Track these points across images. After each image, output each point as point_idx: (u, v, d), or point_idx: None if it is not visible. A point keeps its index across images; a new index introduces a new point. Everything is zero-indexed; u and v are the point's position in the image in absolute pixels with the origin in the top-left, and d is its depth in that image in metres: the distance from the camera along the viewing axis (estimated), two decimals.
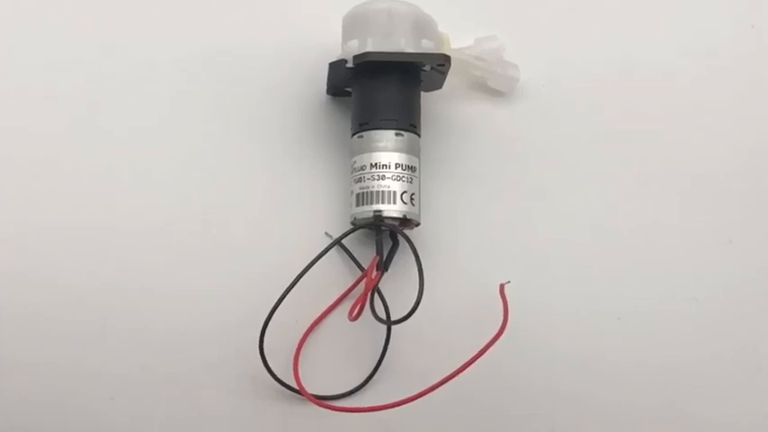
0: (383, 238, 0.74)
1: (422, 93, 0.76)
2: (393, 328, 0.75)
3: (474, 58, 0.78)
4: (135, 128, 0.78)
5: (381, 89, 0.74)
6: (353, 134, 0.75)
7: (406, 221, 0.74)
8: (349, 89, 0.77)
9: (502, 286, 0.74)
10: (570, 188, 0.80)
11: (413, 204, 0.75)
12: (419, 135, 0.75)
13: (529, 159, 0.80)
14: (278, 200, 0.78)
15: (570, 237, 0.79)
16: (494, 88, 0.79)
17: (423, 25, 0.74)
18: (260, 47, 0.80)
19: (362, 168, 0.75)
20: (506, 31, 0.79)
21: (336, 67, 0.75)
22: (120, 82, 0.79)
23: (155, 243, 0.77)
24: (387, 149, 0.75)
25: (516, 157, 0.80)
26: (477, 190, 0.79)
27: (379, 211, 0.74)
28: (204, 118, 0.78)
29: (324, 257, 0.73)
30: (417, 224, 0.75)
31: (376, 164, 0.75)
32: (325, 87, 0.78)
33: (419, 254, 0.72)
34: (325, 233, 0.78)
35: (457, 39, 0.77)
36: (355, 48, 0.74)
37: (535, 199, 0.80)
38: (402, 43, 0.73)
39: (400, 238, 0.74)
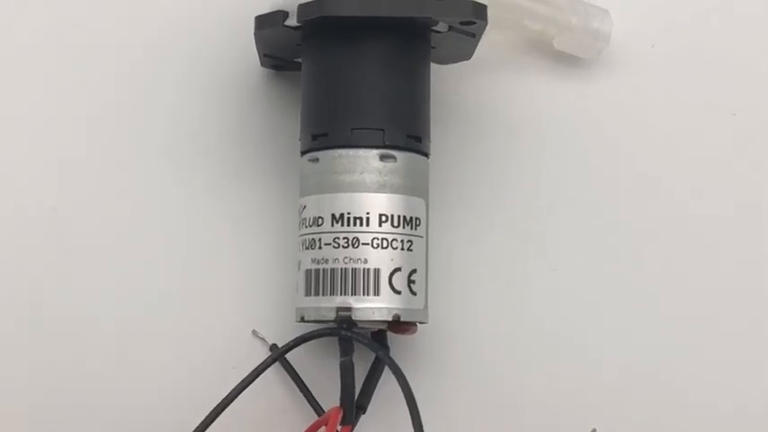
0: (358, 349, 0.48)
1: (435, 68, 0.52)
2: None
3: (531, 0, 0.55)
4: None
5: (353, 69, 0.48)
6: (303, 152, 0.49)
7: (398, 325, 0.48)
8: (299, 59, 0.51)
9: None
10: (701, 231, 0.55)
11: (412, 291, 0.47)
12: (428, 155, 0.49)
13: (629, 182, 0.56)
14: (171, 268, 0.54)
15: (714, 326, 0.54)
16: (566, 52, 0.56)
17: None
18: None
19: (317, 222, 0.47)
20: None
21: (270, 25, 0.49)
22: None
23: None
24: (363, 188, 0.47)
25: (608, 177, 0.56)
26: (536, 244, 0.55)
27: (347, 308, 0.46)
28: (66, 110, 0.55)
29: (257, 382, 0.48)
30: (422, 322, 0.49)
31: (341, 216, 0.47)
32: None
33: (421, 384, 0.48)
34: (254, 332, 0.52)
35: None
36: None
37: (643, 262, 0.55)
38: None
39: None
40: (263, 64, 0.52)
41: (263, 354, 0.50)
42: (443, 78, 0.54)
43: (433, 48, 0.49)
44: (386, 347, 0.48)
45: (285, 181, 0.52)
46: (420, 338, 0.51)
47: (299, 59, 0.50)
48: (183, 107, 0.54)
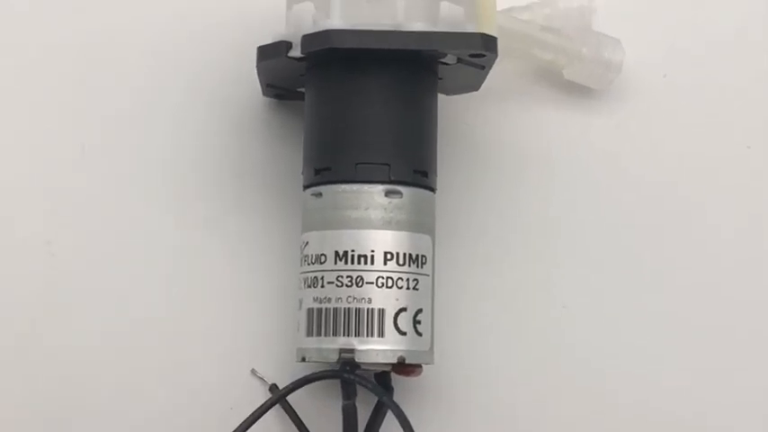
0: (361, 391, 0.45)
1: (441, 97, 0.50)
2: None
3: (540, 30, 0.53)
4: None
5: (358, 101, 0.46)
6: (306, 187, 0.47)
7: (403, 367, 0.45)
8: (302, 89, 0.49)
9: None
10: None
11: (418, 332, 0.45)
12: (434, 189, 0.47)
13: (641, 215, 0.54)
14: (167, 304, 0.51)
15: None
16: (576, 83, 0.55)
17: None
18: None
19: (320, 259, 0.45)
20: None
21: (273, 56, 0.47)
22: None
23: None
24: (368, 224, 0.45)
25: (620, 209, 0.54)
26: (546, 281, 0.53)
27: (350, 350, 0.44)
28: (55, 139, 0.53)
29: (257, 423, 0.46)
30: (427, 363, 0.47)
31: (345, 253, 0.45)
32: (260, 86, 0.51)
33: (426, 429, 0.48)
34: (253, 371, 0.50)
35: None
36: (309, 20, 0.46)
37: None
38: (399, 12, 0.46)
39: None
40: (265, 93, 0.50)
41: (261, 394, 0.49)
42: (450, 108, 0.52)
43: (441, 79, 0.47)
44: (389, 389, 0.46)
45: (287, 215, 0.50)
46: (425, 380, 0.49)
47: (303, 89, 0.48)
48: (182, 136, 0.52)
